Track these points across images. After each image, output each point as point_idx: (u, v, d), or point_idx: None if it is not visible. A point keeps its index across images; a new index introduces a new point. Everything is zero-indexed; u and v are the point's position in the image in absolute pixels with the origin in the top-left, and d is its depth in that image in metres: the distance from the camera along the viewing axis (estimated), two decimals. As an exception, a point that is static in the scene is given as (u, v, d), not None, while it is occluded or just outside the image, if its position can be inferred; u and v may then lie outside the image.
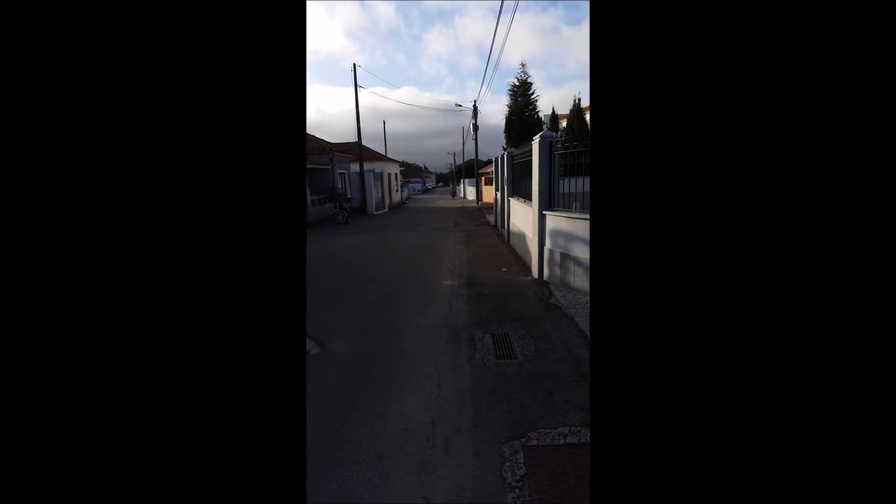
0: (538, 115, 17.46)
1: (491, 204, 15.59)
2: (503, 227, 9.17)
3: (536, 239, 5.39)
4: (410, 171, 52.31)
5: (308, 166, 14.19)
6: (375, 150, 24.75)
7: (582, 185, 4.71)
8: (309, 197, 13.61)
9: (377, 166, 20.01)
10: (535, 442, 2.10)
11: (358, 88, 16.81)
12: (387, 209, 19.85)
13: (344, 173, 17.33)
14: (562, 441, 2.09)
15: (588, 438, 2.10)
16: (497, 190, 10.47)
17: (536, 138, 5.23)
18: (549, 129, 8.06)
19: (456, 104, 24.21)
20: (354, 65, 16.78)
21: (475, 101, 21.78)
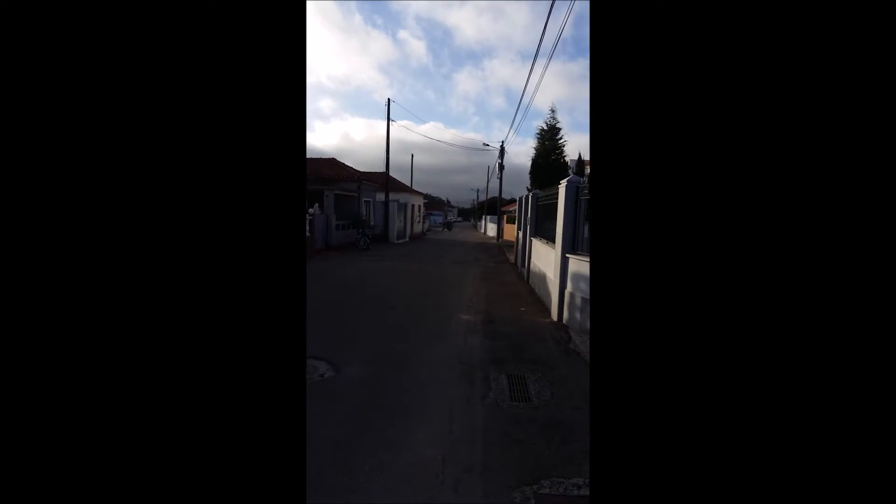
0: (565, 160, 17.69)
1: (511, 241, 15.62)
2: (523, 266, 9.15)
3: (557, 281, 5.36)
4: (433, 203, 53.17)
5: (336, 192, 14.65)
6: (400, 180, 25.45)
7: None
8: (334, 221, 13.97)
9: (402, 197, 20.54)
10: (547, 490, 2.03)
11: (390, 122, 17.52)
12: (407, 239, 20.12)
13: (370, 201, 17.81)
14: (576, 492, 2.01)
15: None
16: (519, 229, 10.53)
17: (563, 182, 5.32)
18: (575, 173, 8.18)
19: (483, 143, 24.98)
20: (389, 99, 17.59)
21: (502, 141, 22.36)
